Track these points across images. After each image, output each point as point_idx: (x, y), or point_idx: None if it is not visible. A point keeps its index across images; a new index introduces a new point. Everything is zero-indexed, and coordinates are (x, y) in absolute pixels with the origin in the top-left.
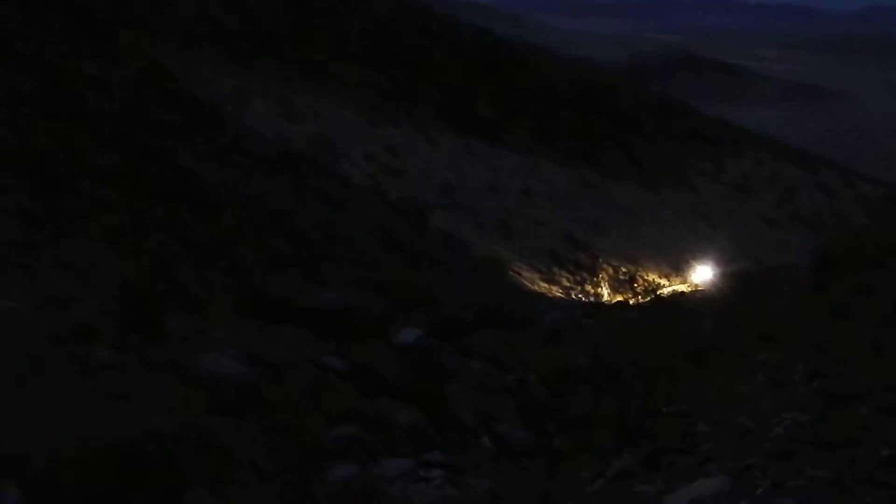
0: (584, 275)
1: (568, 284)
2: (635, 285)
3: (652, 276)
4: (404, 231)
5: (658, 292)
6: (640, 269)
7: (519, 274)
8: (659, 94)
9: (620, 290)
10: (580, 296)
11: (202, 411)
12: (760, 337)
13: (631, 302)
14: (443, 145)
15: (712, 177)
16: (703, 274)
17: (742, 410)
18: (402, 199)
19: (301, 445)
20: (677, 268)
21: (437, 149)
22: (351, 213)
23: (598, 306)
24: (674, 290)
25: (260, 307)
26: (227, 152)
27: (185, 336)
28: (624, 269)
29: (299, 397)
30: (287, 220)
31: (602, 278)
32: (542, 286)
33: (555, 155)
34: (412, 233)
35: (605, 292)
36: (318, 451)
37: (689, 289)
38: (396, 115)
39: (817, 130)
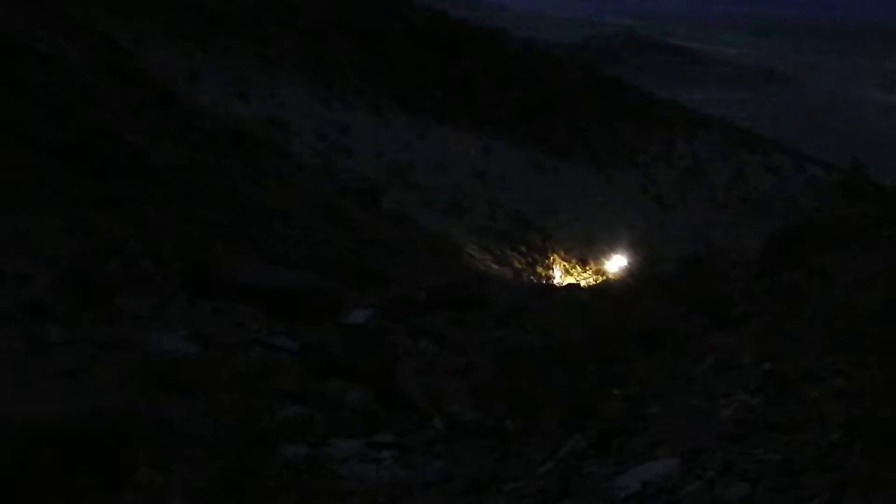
0: (536, 256)
1: (519, 266)
2: (587, 267)
3: (603, 259)
4: (355, 210)
5: (609, 275)
6: (591, 251)
7: (470, 254)
8: (612, 76)
9: (572, 271)
10: (531, 277)
11: (153, 390)
12: (712, 319)
13: (582, 284)
14: (394, 125)
15: (664, 159)
16: (653, 257)
17: (693, 393)
18: (353, 178)
19: (251, 425)
20: (629, 250)
21: (388, 128)
22: (302, 193)
23: (550, 288)
24: (625, 273)
25: (211, 286)
26: (179, 130)
27: (136, 315)
28: (575, 251)
29: (250, 377)
30: (238, 198)
31: (553, 260)
32: (494, 267)
33: (507, 136)
34: (363, 212)
35: (557, 274)
36: (269, 431)
37: (640, 271)
38: (348, 94)
39: (769, 113)
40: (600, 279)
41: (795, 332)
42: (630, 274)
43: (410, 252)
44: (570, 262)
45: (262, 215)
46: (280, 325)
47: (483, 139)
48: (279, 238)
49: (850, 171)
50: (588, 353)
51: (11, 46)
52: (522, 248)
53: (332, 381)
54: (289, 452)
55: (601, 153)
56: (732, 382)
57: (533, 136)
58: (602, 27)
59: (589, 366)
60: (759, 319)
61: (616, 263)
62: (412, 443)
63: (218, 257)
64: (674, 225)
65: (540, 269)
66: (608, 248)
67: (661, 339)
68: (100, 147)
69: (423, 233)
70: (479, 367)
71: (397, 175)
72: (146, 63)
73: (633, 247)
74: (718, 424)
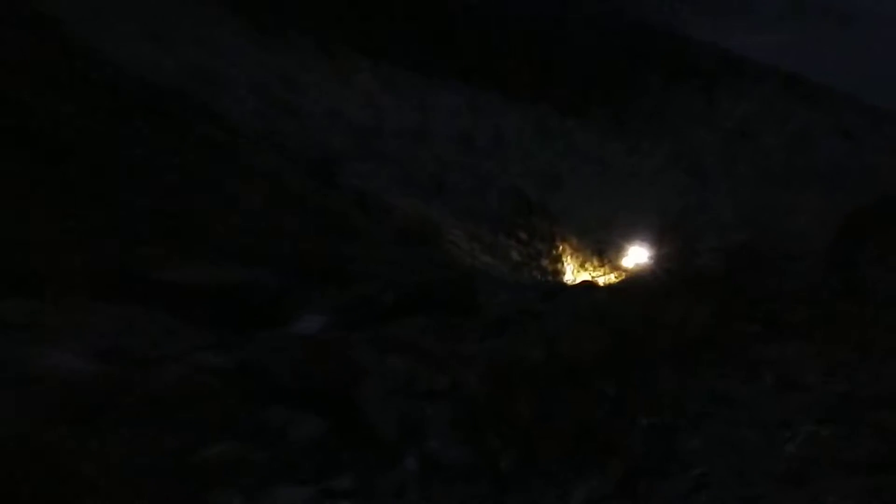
0: (540, 245)
1: (519, 258)
2: (605, 260)
3: (626, 248)
4: (307, 188)
5: (634, 269)
6: (611, 238)
7: (455, 243)
8: (634, 14)
9: (586, 265)
10: (535, 273)
11: (40, 420)
12: (767, 325)
13: (600, 281)
14: (357, 77)
15: (703, 120)
16: (692, 245)
17: (743, 421)
18: (302, 146)
19: (170, 466)
20: (660, 237)
21: (349, 81)
22: (237, 166)
23: (558, 286)
24: (654, 267)
25: (119, 286)
26: (79, 87)
27: (20, 324)
28: (591, 239)
29: (168, 404)
30: (155, 173)
31: (563, 250)
32: (486, 260)
33: (502, 90)
34: (317, 190)
35: (567, 268)
36: (192, 474)
37: (675, 264)
38: (295, 37)
39: (839, 60)
40: (622, 275)
41: (874, 341)
42: (661, 268)
43: (377, 240)
44: (583, 252)
45: (185, 194)
46: (208, 336)
47: (472, 95)
48: (207, 224)
49: None
50: (607, 370)
51: None
52: (523, 236)
53: (274, 408)
54: (219, 502)
55: (624, 112)
56: (795, 408)
57: (536, 92)
58: None
59: (608, 386)
60: (826, 326)
61: (643, 254)
62: (378, 489)
63: (129, 248)
64: (717, 205)
65: (545, 263)
66: (633, 234)
67: (701, 352)
68: None
69: (393, 216)
70: (465, 388)
71: (361, 141)
72: (38, 3)
73: (665, 233)
74: (778, 463)
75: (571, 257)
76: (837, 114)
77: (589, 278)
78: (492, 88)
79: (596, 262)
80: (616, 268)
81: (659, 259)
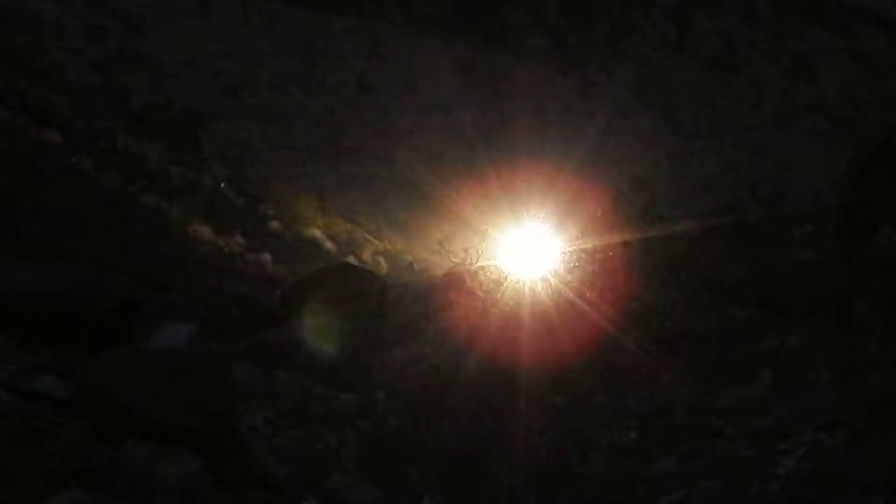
0: (471, 220)
1: (441, 237)
2: (554, 237)
3: (584, 219)
4: (161, 158)
5: (595, 246)
6: (566, 207)
7: (357, 223)
8: None
9: (530, 244)
10: (463, 257)
11: None
12: (764, 312)
13: (547, 265)
14: (218, 9)
15: (675, 46)
16: (666, 211)
17: (734, 431)
18: (154, 104)
19: None
20: (626, 203)
21: (208, 14)
22: (69, 133)
23: (493, 274)
24: (621, 241)
25: None
26: None
27: None
28: (537, 208)
29: None
30: None
31: (501, 225)
32: (397, 241)
33: (411, 21)
34: (174, 160)
35: (505, 249)
36: None
37: (643, 237)
38: None
39: None
40: (573, 257)
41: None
42: (625, 243)
43: (255, 223)
44: (526, 228)
45: None
46: (41, 357)
47: (370, 27)
48: (28, 218)
49: None
50: (555, 378)
51: None
52: (447, 208)
53: (132, 445)
54: None
55: (571, 43)
56: (798, 413)
57: (456, 21)
58: None
59: (557, 398)
60: (838, 309)
61: (597, 226)
62: None
63: None
64: (696, 156)
65: (478, 242)
66: (590, 199)
67: (683, 347)
68: None
69: (275, 190)
70: (376, 410)
71: (228, 95)
72: None
73: (628, 197)
74: (772, 484)
75: (511, 235)
76: (850, 32)
77: (533, 261)
78: (397, 20)
79: (543, 241)
80: (566, 248)
81: (618, 233)
